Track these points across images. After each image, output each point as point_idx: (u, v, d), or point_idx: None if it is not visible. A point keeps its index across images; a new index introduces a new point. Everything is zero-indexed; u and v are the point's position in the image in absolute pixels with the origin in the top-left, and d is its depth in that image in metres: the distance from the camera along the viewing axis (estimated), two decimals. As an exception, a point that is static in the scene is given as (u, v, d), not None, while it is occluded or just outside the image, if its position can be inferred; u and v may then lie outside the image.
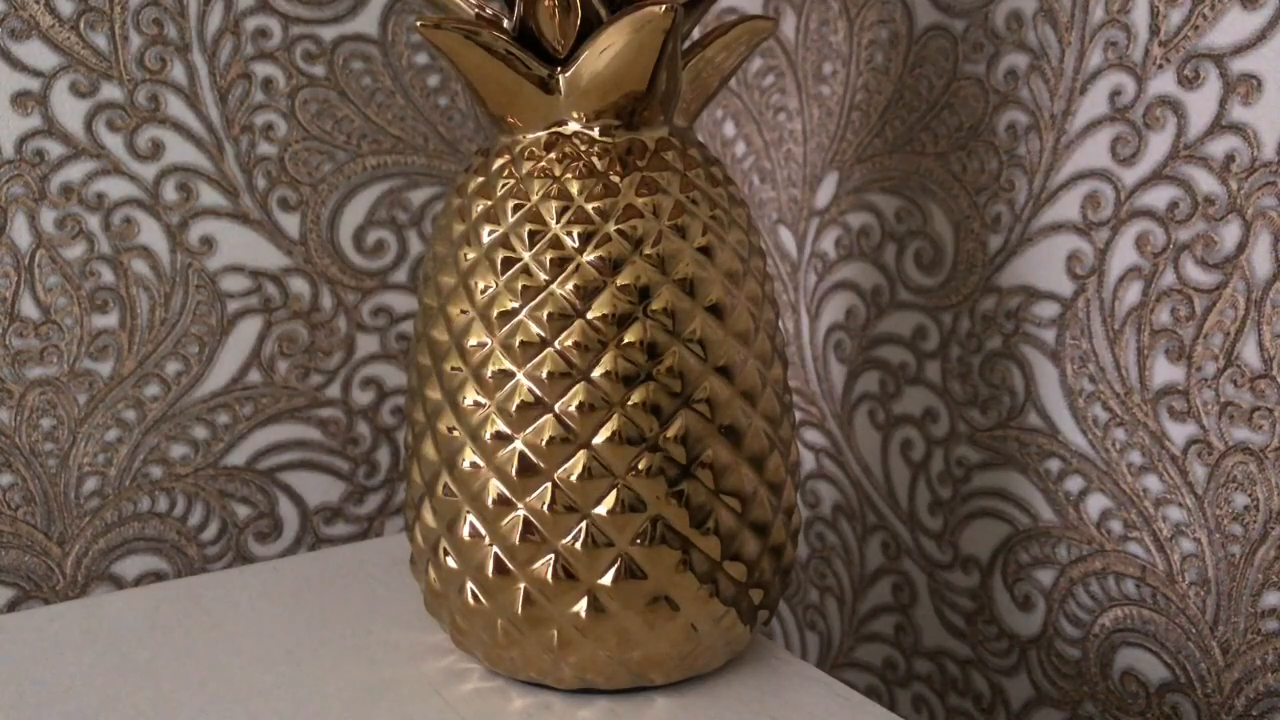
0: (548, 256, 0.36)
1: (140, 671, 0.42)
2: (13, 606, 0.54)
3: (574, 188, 0.36)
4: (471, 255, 0.37)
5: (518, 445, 0.36)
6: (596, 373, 0.36)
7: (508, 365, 0.36)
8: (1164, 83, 0.40)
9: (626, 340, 0.36)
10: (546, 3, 0.35)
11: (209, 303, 0.57)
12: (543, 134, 0.37)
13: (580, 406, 0.35)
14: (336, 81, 0.58)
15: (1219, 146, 0.38)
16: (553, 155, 0.36)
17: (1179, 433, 0.41)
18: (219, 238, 0.56)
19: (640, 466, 0.36)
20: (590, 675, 0.38)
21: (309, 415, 0.60)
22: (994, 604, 0.49)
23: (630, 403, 0.36)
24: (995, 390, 0.48)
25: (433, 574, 0.39)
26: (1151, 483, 0.42)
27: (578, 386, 0.36)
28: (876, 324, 0.53)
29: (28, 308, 0.53)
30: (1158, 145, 0.40)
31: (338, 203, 0.59)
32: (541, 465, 0.36)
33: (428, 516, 0.39)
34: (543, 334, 0.36)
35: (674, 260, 0.36)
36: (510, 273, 0.36)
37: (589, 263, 0.36)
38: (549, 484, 0.36)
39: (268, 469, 0.59)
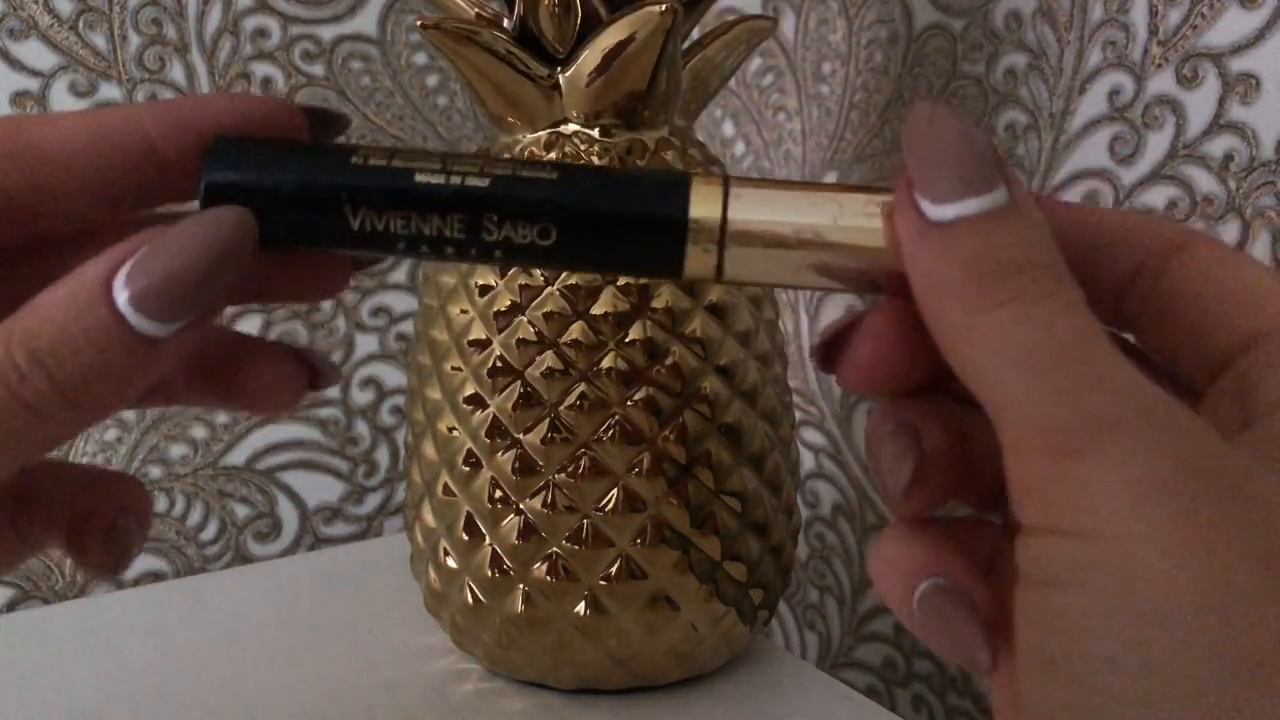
0: (548, 256, 0.36)
1: (140, 671, 0.42)
2: (13, 606, 0.54)
3: (574, 188, 0.36)
4: (471, 255, 0.37)
5: (517, 445, 0.36)
6: (596, 372, 0.36)
7: (508, 364, 0.36)
8: (1163, 82, 0.40)
9: (626, 339, 0.36)
10: (546, 3, 0.35)
11: (208, 303, 0.56)
12: (543, 134, 0.37)
13: (580, 406, 0.35)
14: (335, 81, 0.58)
15: (1218, 146, 0.38)
16: (553, 155, 0.36)
17: (1178, 432, 0.41)
18: (218, 238, 0.56)
19: (640, 466, 0.36)
20: (590, 675, 0.38)
21: (308, 415, 0.60)
22: (993, 603, 0.49)
23: (630, 402, 0.36)
24: (994, 390, 0.48)
25: (433, 574, 0.39)
26: (1151, 482, 0.42)
27: (577, 386, 0.36)
28: (876, 323, 0.53)
29: (27, 308, 0.53)
30: (1157, 145, 0.40)
31: (337, 203, 0.59)
32: (541, 465, 0.36)
33: (428, 516, 0.39)
34: (542, 333, 0.36)
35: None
36: (510, 272, 0.36)
37: (589, 262, 0.36)
38: (549, 484, 0.36)
39: (267, 469, 0.59)
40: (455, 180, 0.19)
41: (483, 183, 0.19)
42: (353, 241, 0.20)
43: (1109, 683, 0.15)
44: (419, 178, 0.19)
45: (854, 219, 0.19)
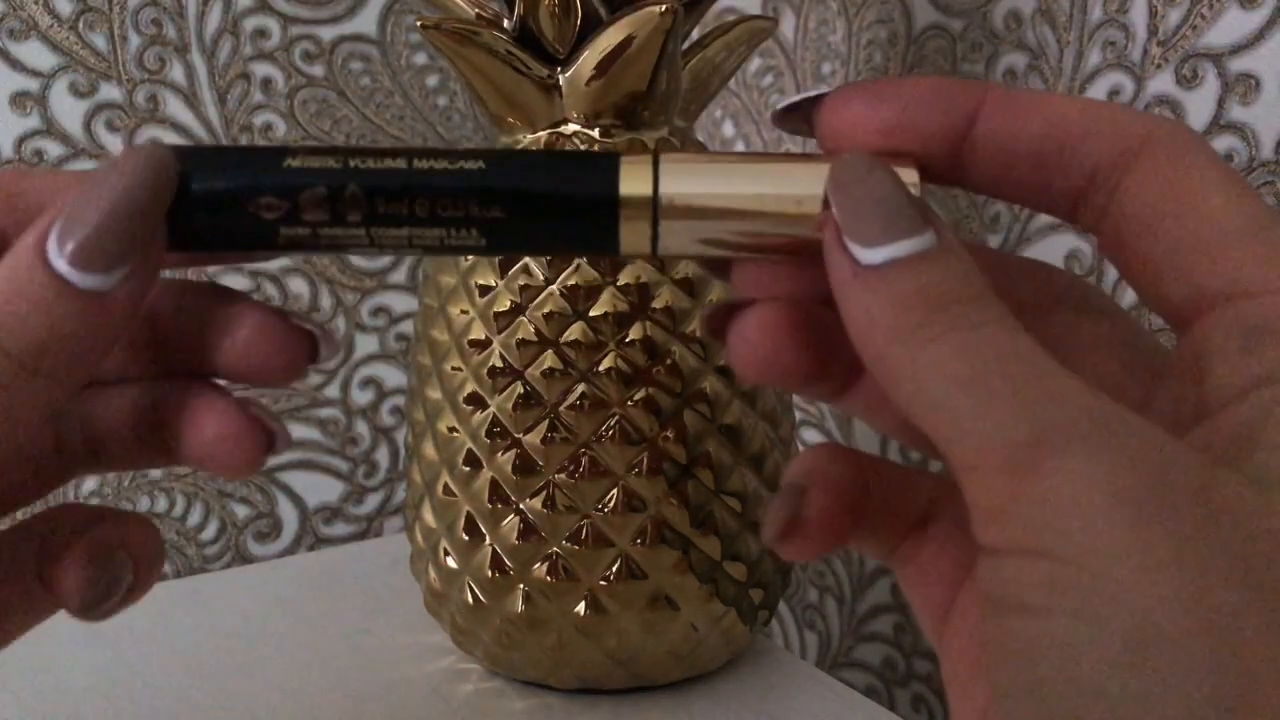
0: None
1: (140, 671, 0.42)
2: (12, 607, 0.54)
3: (574, 188, 0.36)
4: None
5: (517, 445, 0.36)
6: (596, 372, 0.36)
7: (508, 364, 0.36)
8: (1162, 82, 0.40)
9: (626, 339, 0.36)
10: (546, 3, 0.35)
11: (208, 303, 0.56)
12: (543, 134, 0.37)
13: (580, 406, 0.36)
14: (335, 81, 0.58)
15: (1218, 146, 0.38)
16: (552, 155, 0.36)
17: (1178, 432, 0.41)
18: (218, 238, 0.56)
19: (640, 466, 0.36)
20: (590, 675, 0.38)
21: (308, 415, 0.60)
22: (993, 603, 0.49)
23: (630, 402, 0.36)
24: (994, 390, 0.48)
25: (433, 574, 0.39)
26: (1150, 482, 0.42)
27: (578, 386, 0.36)
28: (875, 324, 0.53)
29: (27, 308, 0.52)
30: (1156, 145, 0.40)
31: (337, 203, 0.59)
32: (541, 465, 0.36)
33: (428, 516, 0.39)
34: (543, 333, 0.36)
35: (673, 259, 0.36)
36: (510, 272, 0.36)
37: (589, 262, 0.36)
38: (549, 484, 0.36)
39: (267, 469, 0.59)
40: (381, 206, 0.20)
41: (409, 185, 0.20)
42: (281, 249, 0.20)
43: (1096, 710, 0.14)
44: (344, 230, 0.20)
45: (788, 187, 0.19)
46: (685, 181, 0.19)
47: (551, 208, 0.20)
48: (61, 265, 0.18)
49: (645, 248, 0.20)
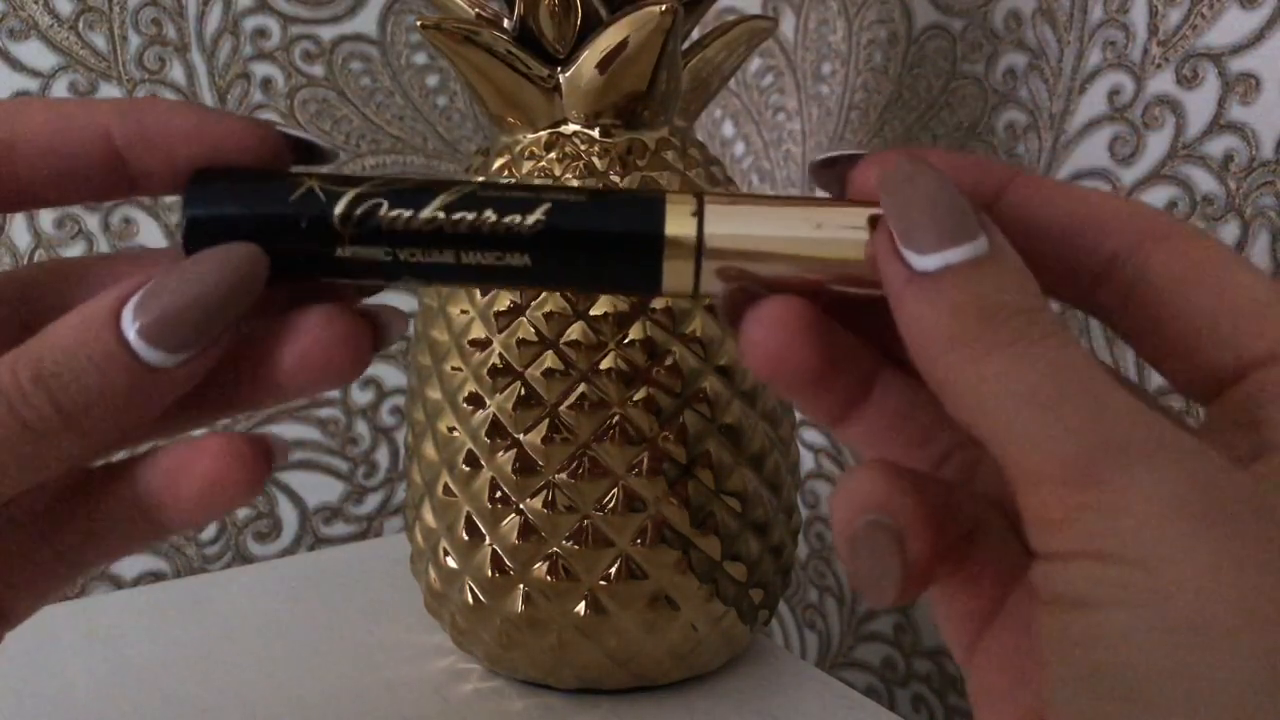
0: (548, 256, 0.36)
1: (140, 671, 0.42)
2: (12, 607, 0.54)
3: (574, 188, 0.36)
4: (471, 255, 0.37)
5: (517, 445, 0.36)
6: (596, 372, 0.36)
7: (507, 364, 0.36)
8: (1162, 82, 0.40)
9: (626, 339, 0.36)
10: (546, 3, 0.35)
11: (208, 303, 0.56)
12: (543, 134, 0.37)
13: (580, 406, 0.35)
14: (335, 81, 0.58)
15: (1218, 146, 0.38)
16: (553, 155, 0.36)
17: (1178, 432, 0.41)
18: (218, 238, 0.56)
19: (640, 466, 0.36)
20: (590, 675, 0.38)
21: (308, 415, 0.60)
22: (993, 603, 0.49)
23: (630, 402, 0.36)
24: (994, 390, 0.48)
25: (433, 574, 0.39)
26: (1150, 482, 0.42)
27: (578, 386, 0.36)
28: (876, 323, 0.53)
29: (27, 308, 0.52)
30: (1156, 145, 0.40)
31: (337, 203, 0.59)
32: (541, 465, 0.36)
33: (428, 516, 0.39)
34: (543, 333, 0.36)
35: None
36: (510, 273, 0.36)
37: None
38: (549, 484, 0.36)
39: (267, 469, 0.59)
40: (439, 216, 0.20)
41: (468, 215, 0.20)
42: (334, 274, 0.21)
43: (1150, 691, 0.15)
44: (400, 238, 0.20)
45: (828, 231, 0.19)
46: (730, 223, 0.20)
47: (594, 248, 0.20)
48: (131, 334, 0.19)
49: (687, 289, 0.20)
